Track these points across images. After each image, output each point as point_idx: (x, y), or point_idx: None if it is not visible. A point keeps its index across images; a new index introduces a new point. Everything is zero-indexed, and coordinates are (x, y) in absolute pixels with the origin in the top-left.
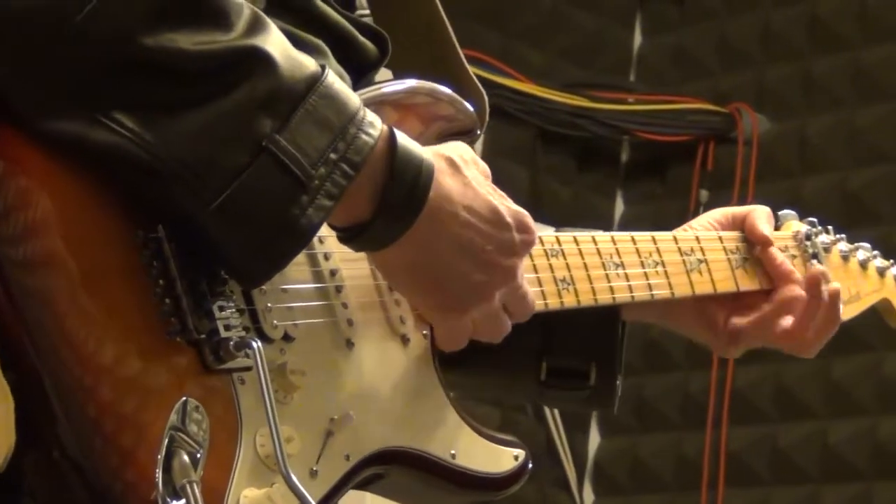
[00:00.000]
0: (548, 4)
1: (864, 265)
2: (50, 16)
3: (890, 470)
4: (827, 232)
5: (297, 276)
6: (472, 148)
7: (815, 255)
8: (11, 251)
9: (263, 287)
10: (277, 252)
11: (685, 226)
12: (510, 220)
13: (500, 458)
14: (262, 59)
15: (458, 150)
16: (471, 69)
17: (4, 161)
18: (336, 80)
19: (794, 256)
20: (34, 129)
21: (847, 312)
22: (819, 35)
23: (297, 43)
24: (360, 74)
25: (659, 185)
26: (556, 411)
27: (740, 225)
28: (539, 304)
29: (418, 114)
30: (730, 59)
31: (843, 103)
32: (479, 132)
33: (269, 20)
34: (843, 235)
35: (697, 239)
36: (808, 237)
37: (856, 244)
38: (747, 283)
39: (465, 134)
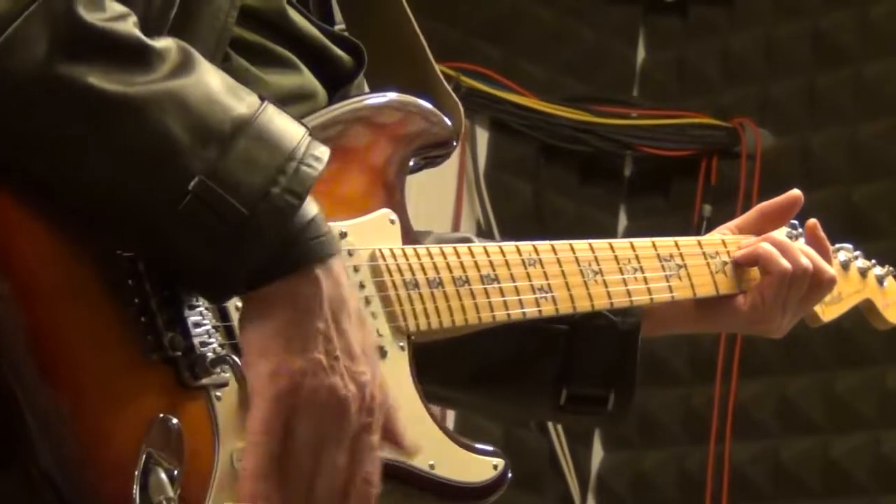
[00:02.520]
0: (551, 19)
1: (845, 266)
2: None
3: (893, 484)
4: (845, 248)
5: None
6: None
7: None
8: None
9: (238, 304)
10: (219, 286)
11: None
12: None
13: (479, 467)
14: (178, 104)
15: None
16: (474, 83)
17: None
18: (273, 118)
19: None
20: None
21: (829, 313)
22: (822, 49)
23: (270, 57)
24: (336, 86)
25: (662, 199)
26: (559, 425)
27: (756, 221)
28: (516, 313)
29: (389, 134)
30: (733, 74)
31: (847, 117)
32: (455, 144)
33: (201, 62)
34: (859, 253)
35: (677, 244)
36: (789, 238)
37: (837, 245)
38: (727, 287)
39: (441, 146)
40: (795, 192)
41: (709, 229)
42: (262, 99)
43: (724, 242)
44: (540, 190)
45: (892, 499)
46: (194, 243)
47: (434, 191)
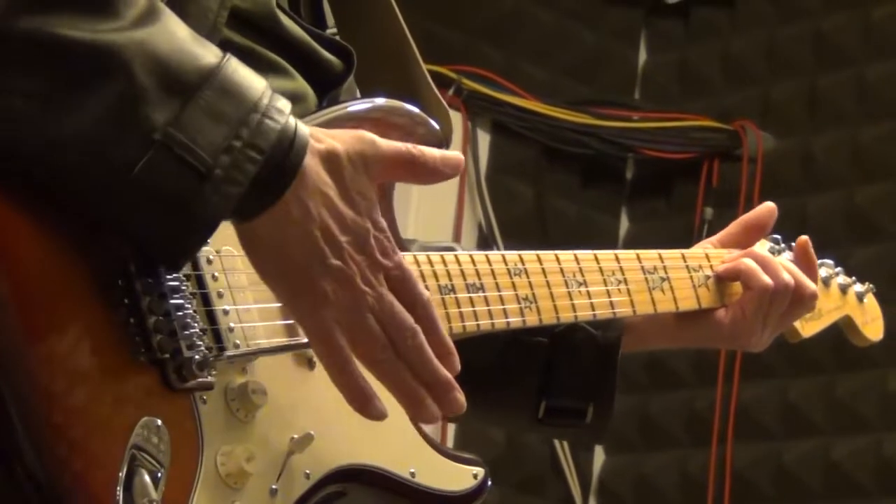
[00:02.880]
0: (552, 22)
1: (826, 282)
2: None
3: (895, 486)
4: (790, 249)
5: (259, 294)
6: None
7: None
8: None
9: (226, 307)
10: (182, 242)
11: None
12: (367, 216)
13: (459, 476)
14: (146, 52)
15: (346, 142)
16: (475, 85)
17: None
18: (237, 70)
19: None
20: None
21: (809, 329)
22: (824, 52)
23: (260, 62)
24: (325, 90)
25: (664, 202)
26: None
27: (739, 234)
28: (500, 323)
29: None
30: (734, 77)
31: (848, 120)
32: (444, 148)
33: (168, 12)
34: (840, 269)
35: (661, 257)
36: (771, 253)
37: (819, 261)
38: (709, 301)
39: None
40: (769, 205)
41: (710, 232)
42: (225, 51)
43: (707, 256)
44: (541, 193)
45: (894, 501)
46: (158, 195)
47: (435, 194)
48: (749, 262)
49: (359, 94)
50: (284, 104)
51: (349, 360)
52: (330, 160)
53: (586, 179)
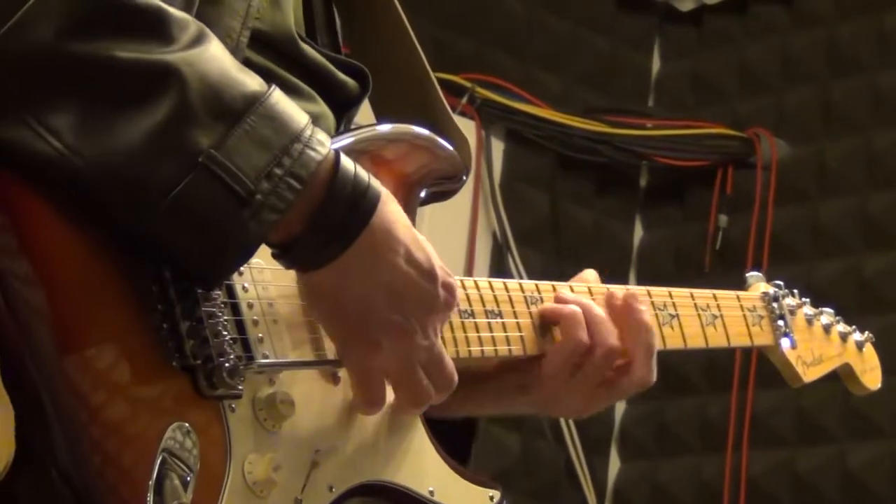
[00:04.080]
0: (566, 30)
1: (827, 329)
2: None
3: None
4: (793, 295)
5: (288, 307)
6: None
7: (781, 317)
8: (14, 265)
9: (255, 318)
10: (217, 264)
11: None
12: (439, 275)
13: (476, 497)
14: (196, 75)
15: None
16: (489, 94)
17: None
18: (280, 101)
19: (761, 317)
20: None
21: (810, 375)
22: (837, 59)
23: (280, 83)
24: (341, 111)
25: (677, 209)
26: (575, 435)
27: None
28: (517, 350)
29: (393, 169)
30: (748, 84)
31: (862, 127)
32: (464, 178)
33: (215, 38)
34: (807, 300)
35: (670, 294)
36: (775, 298)
37: (820, 308)
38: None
39: (449, 179)
40: (590, 272)
41: (724, 239)
42: (270, 82)
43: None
44: (556, 201)
45: None
46: (196, 216)
47: (450, 203)
48: (574, 311)
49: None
50: (325, 137)
51: (383, 402)
52: (393, 206)
53: (600, 187)
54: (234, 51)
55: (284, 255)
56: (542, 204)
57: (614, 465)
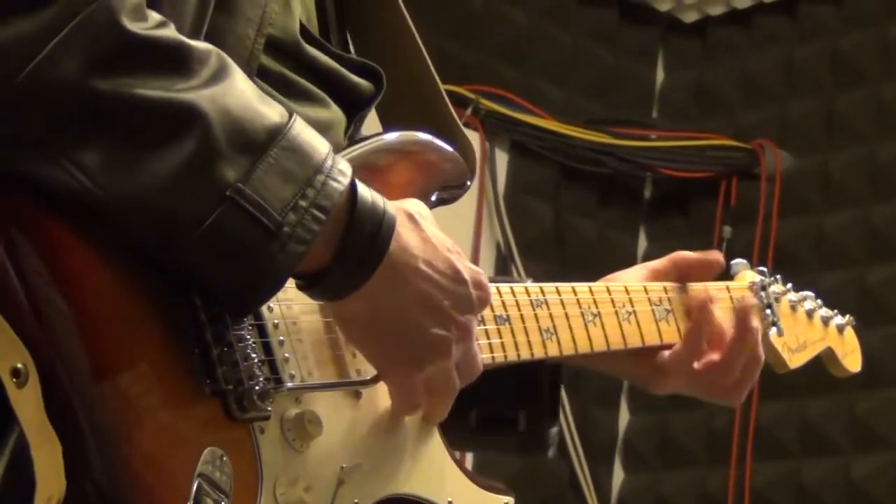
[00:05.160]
0: (569, 41)
1: (810, 315)
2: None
3: None
4: (776, 281)
5: (310, 325)
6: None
7: (769, 306)
8: (47, 293)
9: (281, 337)
10: (247, 296)
11: (614, 275)
12: (467, 277)
13: None
14: (219, 109)
15: (415, 205)
16: (493, 105)
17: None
18: (302, 131)
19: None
20: (5, 172)
21: (795, 361)
22: (841, 70)
23: (294, 88)
24: (354, 111)
25: (682, 221)
26: (579, 446)
27: (669, 272)
28: (525, 354)
29: (402, 178)
30: (752, 95)
31: (866, 138)
32: (468, 183)
33: (236, 69)
34: (790, 285)
35: (665, 289)
36: (763, 287)
37: (802, 294)
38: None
39: (454, 184)
40: (717, 255)
41: (728, 251)
42: (290, 111)
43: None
44: (560, 212)
45: None
46: (226, 250)
47: (453, 213)
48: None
49: (379, 124)
50: (346, 167)
51: (418, 408)
52: (413, 226)
53: (604, 199)
54: (249, 59)
55: (312, 286)
56: (545, 215)
57: (618, 476)
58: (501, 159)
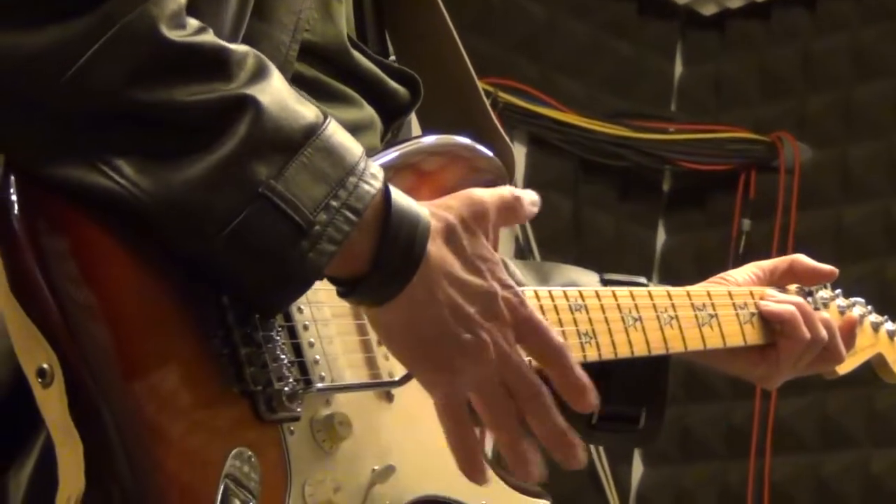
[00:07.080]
0: (588, 34)
1: (860, 321)
2: (35, 78)
3: None
4: (825, 287)
5: (342, 327)
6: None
7: (816, 311)
8: (76, 293)
9: (311, 339)
10: (276, 295)
11: (724, 274)
12: (496, 287)
13: None
14: (255, 109)
15: (459, 210)
16: (511, 98)
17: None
18: (336, 133)
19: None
20: (39, 176)
21: (844, 367)
22: (860, 63)
23: (329, 93)
24: (392, 118)
25: (700, 214)
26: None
27: (784, 273)
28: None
29: (438, 181)
30: (771, 88)
31: (885, 130)
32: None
33: (273, 69)
34: (839, 291)
35: (709, 294)
36: (809, 293)
37: (852, 300)
38: (754, 338)
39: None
40: (832, 269)
41: (747, 244)
42: (325, 112)
43: (752, 294)
44: (578, 205)
45: None
46: (256, 247)
47: None
48: (794, 312)
49: (419, 127)
50: (378, 170)
51: (471, 433)
52: (448, 237)
53: (623, 192)
54: (284, 64)
55: (351, 293)
56: (564, 208)
57: (637, 470)
58: (520, 153)
